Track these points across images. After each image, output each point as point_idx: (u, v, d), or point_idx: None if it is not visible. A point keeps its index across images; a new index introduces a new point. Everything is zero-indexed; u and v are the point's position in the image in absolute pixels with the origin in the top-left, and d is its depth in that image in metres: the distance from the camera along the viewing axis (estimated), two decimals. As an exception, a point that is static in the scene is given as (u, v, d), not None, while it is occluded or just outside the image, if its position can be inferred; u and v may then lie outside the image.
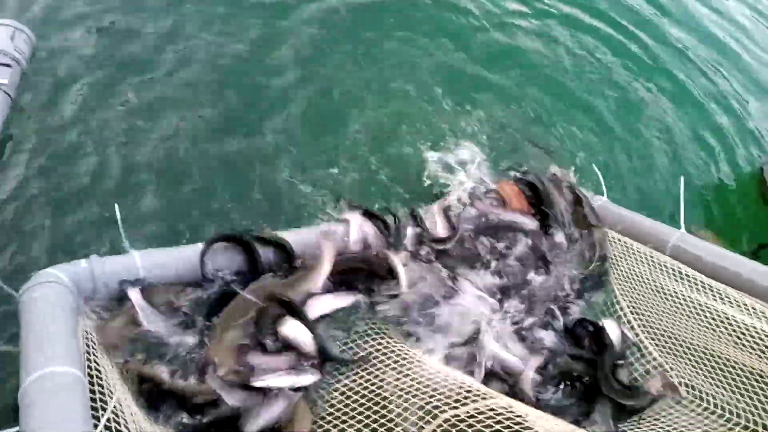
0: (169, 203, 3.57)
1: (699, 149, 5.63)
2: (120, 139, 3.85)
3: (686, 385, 2.70)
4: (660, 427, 2.51)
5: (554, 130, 5.05)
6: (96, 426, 1.59)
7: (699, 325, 2.72)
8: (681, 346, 2.77)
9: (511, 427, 1.81)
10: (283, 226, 3.13)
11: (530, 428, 1.83)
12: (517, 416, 1.90)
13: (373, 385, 2.22)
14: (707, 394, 2.61)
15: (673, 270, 2.95)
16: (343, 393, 2.22)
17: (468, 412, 1.92)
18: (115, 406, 1.63)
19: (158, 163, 3.79)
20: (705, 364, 2.65)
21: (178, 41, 4.71)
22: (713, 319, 2.66)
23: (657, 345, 2.90)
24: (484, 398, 2.02)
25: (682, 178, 3.22)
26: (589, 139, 5.15)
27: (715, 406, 2.55)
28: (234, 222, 3.55)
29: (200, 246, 2.53)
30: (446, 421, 1.90)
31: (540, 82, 5.64)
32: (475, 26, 6.00)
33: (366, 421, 2.06)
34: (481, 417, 1.89)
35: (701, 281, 2.82)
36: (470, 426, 1.86)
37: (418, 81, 5.09)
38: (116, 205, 2.41)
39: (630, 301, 3.07)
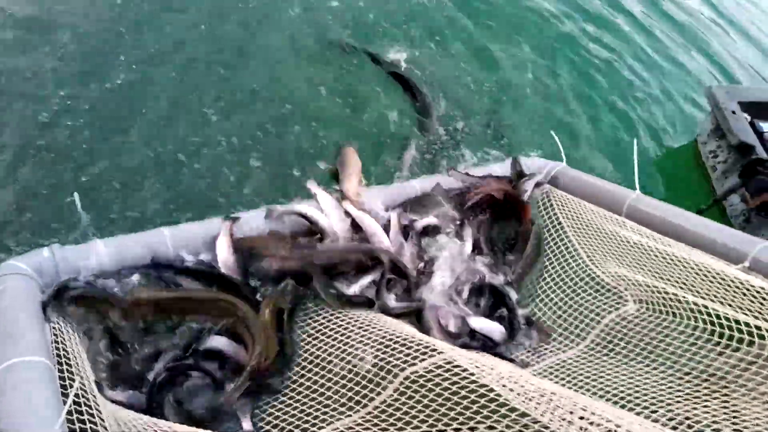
0: (127, 191, 3.53)
1: (644, 120, 5.87)
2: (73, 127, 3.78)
3: (641, 302, 2.87)
4: (627, 342, 2.70)
5: (513, 100, 5.14)
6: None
7: (647, 258, 2.92)
8: (634, 274, 2.94)
9: (467, 378, 1.89)
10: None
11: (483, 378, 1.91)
12: (473, 366, 1.98)
13: (331, 346, 2.30)
14: (661, 305, 2.81)
15: (626, 225, 3.10)
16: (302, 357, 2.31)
17: (426, 368, 2.00)
18: (83, 390, 1.65)
19: (116, 151, 3.74)
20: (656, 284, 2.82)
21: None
22: (663, 256, 2.85)
23: (611, 277, 3.04)
24: (439, 353, 2.09)
25: (635, 141, 3.32)
26: (547, 107, 5.27)
27: (667, 313, 2.75)
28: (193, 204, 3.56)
29: (163, 230, 2.53)
30: (406, 378, 1.99)
31: (497, 53, 5.71)
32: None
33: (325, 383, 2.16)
34: (438, 371, 1.98)
35: (651, 234, 2.99)
36: (428, 381, 1.94)
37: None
38: (75, 194, 2.39)
39: (585, 247, 3.19)
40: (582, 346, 2.82)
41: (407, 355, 2.05)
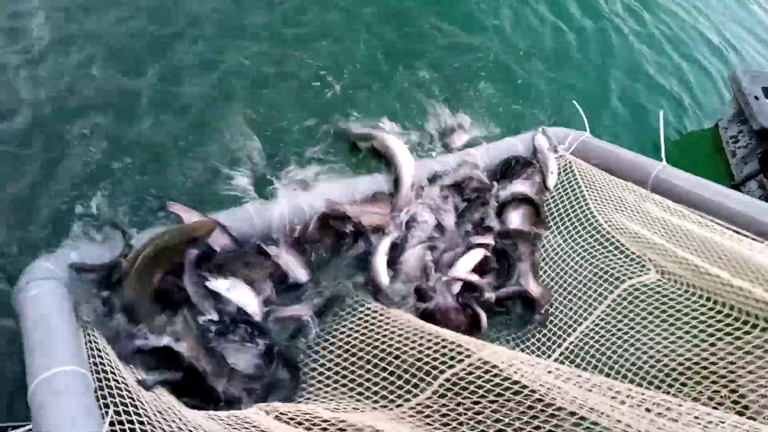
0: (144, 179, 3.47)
1: (667, 101, 5.70)
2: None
3: (663, 272, 2.87)
4: (644, 310, 2.74)
5: (538, 70, 5.00)
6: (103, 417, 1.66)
7: (668, 232, 2.91)
8: (656, 244, 2.92)
9: (504, 381, 1.92)
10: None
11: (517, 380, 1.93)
12: (508, 366, 2.00)
13: (369, 345, 2.32)
14: (679, 276, 2.81)
15: (652, 199, 3.07)
16: (339, 355, 2.34)
17: (464, 368, 2.04)
18: (121, 401, 1.69)
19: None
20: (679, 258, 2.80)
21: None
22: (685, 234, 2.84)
23: (634, 241, 3.03)
24: (474, 353, 2.12)
25: (661, 113, 3.25)
26: (571, 77, 5.14)
27: (681, 284, 2.77)
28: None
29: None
30: (447, 380, 2.03)
31: (520, 24, 5.53)
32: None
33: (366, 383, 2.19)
34: (478, 372, 2.03)
35: (677, 210, 2.97)
36: (470, 383, 1.99)
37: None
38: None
39: (605, 217, 3.18)
40: (599, 311, 2.83)
41: (444, 355, 2.10)
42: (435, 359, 2.11)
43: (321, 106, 4.19)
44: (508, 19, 5.53)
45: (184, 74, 4.12)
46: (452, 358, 2.09)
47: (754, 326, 2.37)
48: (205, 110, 3.92)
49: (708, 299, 2.62)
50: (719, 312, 2.55)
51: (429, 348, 2.17)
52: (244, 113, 3.97)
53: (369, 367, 2.25)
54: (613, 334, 2.67)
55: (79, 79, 3.82)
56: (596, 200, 3.26)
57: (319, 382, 2.27)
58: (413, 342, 2.24)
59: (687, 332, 2.53)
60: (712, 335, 2.45)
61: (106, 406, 1.67)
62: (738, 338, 2.37)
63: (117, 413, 1.66)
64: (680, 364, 2.43)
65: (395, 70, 4.67)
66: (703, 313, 2.57)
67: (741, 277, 2.51)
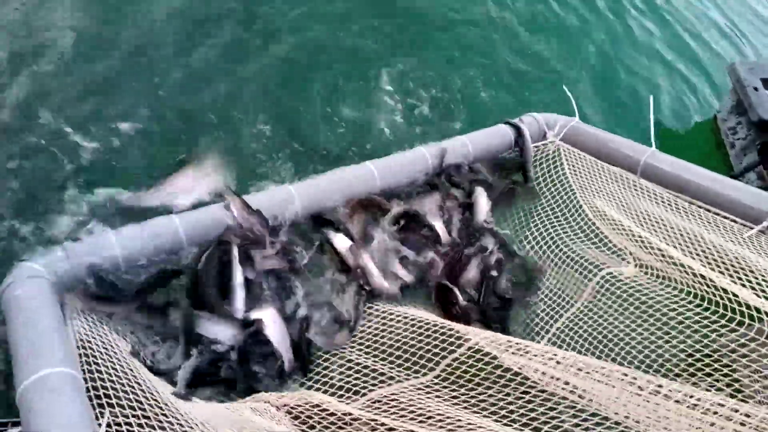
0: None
1: (665, 91, 5.71)
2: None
3: (642, 265, 2.87)
4: (619, 297, 2.76)
5: (527, 53, 4.98)
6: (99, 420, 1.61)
7: (650, 222, 2.89)
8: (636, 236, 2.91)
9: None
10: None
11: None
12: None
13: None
14: (655, 269, 2.81)
15: (639, 187, 3.08)
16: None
17: (484, 338, 2.20)
18: (117, 402, 1.64)
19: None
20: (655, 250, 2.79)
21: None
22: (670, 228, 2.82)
23: (616, 233, 3.01)
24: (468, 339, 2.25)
25: (651, 98, 3.23)
26: (566, 64, 5.13)
27: (659, 276, 2.79)
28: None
29: (173, 217, 2.47)
30: (469, 348, 2.16)
31: (514, 7, 5.51)
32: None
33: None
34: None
35: (665, 199, 2.95)
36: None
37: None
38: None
39: (590, 205, 3.17)
40: (581, 302, 2.85)
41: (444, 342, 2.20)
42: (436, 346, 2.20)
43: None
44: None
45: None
46: (452, 344, 2.18)
47: (723, 316, 2.39)
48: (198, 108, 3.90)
49: (681, 290, 2.65)
50: (690, 303, 2.58)
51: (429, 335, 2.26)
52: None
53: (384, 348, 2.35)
54: (593, 319, 2.72)
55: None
56: (582, 188, 3.24)
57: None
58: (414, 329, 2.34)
59: (665, 323, 2.58)
60: (688, 327, 2.49)
61: (101, 406, 1.62)
62: (705, 326, 2.42)
63: (113, 414, 1.62)
64: (660, 356, 2.48)
65: (382, 55, 4.64)
66: (676, 303, 2.60)
67: (715, 270, 2.52)
